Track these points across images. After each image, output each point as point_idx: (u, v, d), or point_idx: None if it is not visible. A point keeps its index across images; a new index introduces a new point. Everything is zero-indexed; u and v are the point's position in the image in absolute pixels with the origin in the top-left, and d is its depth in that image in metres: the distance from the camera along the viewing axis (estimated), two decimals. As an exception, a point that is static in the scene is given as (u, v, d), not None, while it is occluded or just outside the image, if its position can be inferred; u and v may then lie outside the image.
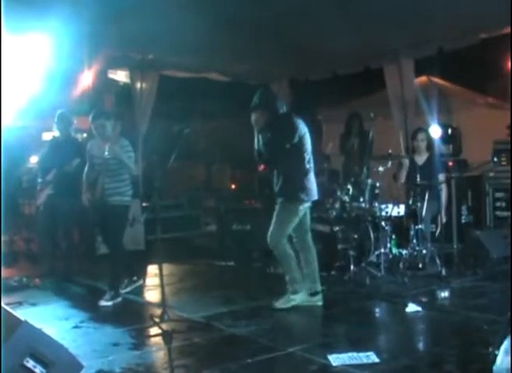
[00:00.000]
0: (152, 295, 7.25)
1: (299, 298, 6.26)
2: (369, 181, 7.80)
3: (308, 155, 6.32)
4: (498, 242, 7.87)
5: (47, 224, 7.97)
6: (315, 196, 6.39)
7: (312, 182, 6.35)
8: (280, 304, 6.22)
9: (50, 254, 8.10)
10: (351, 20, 8.02)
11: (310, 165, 6.34)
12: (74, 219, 8.22)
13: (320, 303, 6.38)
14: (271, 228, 6.27)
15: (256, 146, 6.35)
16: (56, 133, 8.24)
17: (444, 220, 8.06)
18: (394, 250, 7.64)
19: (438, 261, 7.37)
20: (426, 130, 8.40)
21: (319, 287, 6.42)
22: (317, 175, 6.60)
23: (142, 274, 7.76)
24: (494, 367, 2.90)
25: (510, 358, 2.81)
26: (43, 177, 8.00)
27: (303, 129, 6.33)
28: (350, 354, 4.68)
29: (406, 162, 8.22)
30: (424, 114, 9.68)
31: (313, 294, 6.37)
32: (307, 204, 6.34)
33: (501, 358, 2.89)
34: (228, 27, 8.04)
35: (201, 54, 9.69)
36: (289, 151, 6.21)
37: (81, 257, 8.29)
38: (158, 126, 9.37)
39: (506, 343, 2.93)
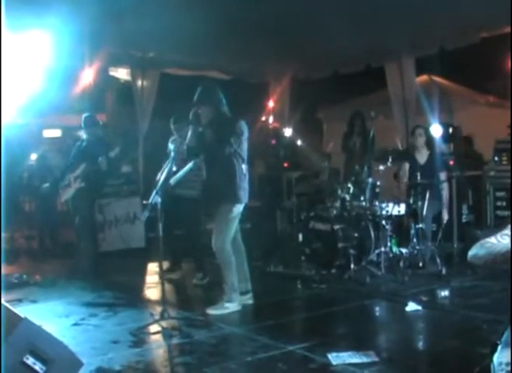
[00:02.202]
0: (152, 293, 7.25)
1: (233, 307, 6.16)
2: (370, 180, 7.79)
3: (244, 156, 6.26)
4: (499, 242, 7.86)
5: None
6: (247, 198, 6.35)
7: (247, 183, 6.31)
8: (213, 310, 6.13)
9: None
10: (352, 19, 8.01)
11: (246, 167, 6.29)
12: (93, 214, 8.35)
13: (250, 301, 6.41)
14: (215, 232, 6.20)
15: (188, 141, 6.19)
16: (83, 136, 8.35)
17: (445, 219, 8.06)
18: (395, 249, 7.63)
19: (438, 260, 7.36)
20: (424, 127, 8.40)
21: (250, 287, 6.45)
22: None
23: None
24: (494, 359, 2.89)
25: (509, 351, 2.80)
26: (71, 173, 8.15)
27: (246, 132, 6.28)
28: (350, 353, 4.68)
29: (406, 164, 8.19)
30: (425, 113, 9.68)
31: (244, 293, 6.38)
32: (241, 207, 6.28)
33: (500, 350, 2.89)
34: (229, 25, 8.04)
35: (202, 52, 9.70)
36: (233, 152, 6.13)
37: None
38: (159, 124, 9.37)
39: (505, 336, 2.92)
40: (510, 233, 3.00)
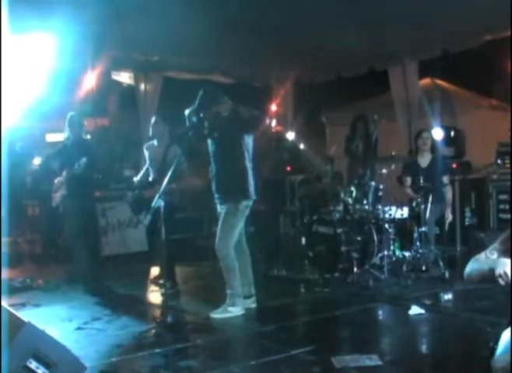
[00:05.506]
0: (155, 297, 7.24)
1: (236, 312, 6.13)
2: (373, 183, 7.78)
3: (250, 153, 6.25)
4: (502, 245, 7.84)
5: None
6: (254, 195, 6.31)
7: (252, 180, 6.27)
8: (216, 314, 6.08)
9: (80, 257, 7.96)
10: (355, 22, 8.01)
11: (251, 164, 6.26)
12: (84, 220, 8.17)
13: (253, 305, 6.39)
14: (219, 234, 6.13)
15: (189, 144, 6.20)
16: (66, 135, 8.10)
17: (448, 222, 8.04)
18: (398, 252, 7.62)
19: (441, 263, 7.35)
20: (429, 131, 8.40)
21: (253, 290, 6.43)
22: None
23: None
24: (492, 362, 2.89)
25: (509, 356, 2.80)
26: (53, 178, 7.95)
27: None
28: (353, 356, 4.68)
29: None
30: (428, 116, 9.67)
31: (248, 296, 6.36)
32: (250, 204, 6.25)
33: (499, 354, 2.88)
34: (232, 29, 8.04)
35: (205, 56, 9.70)
36: (242, 149, 6.13)
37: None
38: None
39: (506, 340, 2.92)
40: (498, 247, 3.03)
